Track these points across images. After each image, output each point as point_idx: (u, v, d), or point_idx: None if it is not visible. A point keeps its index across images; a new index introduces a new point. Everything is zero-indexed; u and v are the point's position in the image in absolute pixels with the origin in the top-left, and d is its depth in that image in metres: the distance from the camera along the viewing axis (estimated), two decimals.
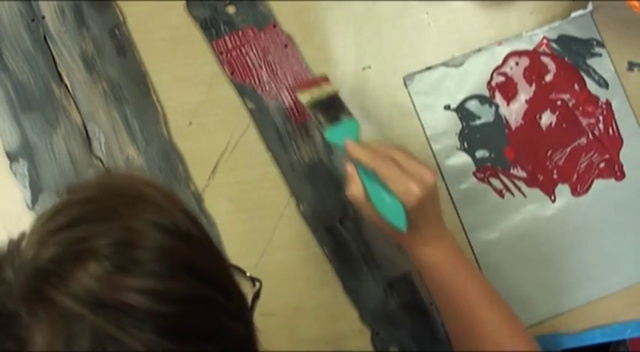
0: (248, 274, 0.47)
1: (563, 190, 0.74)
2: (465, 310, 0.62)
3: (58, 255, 0.36)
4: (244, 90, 0.74)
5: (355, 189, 0.61)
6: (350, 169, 0.62)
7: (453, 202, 0.74)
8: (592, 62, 0.76)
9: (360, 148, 0.61)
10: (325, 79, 0.70)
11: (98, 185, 0.43)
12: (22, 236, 0.39)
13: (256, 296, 0.47)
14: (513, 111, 0.75)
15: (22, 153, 0.72)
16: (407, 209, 0.59)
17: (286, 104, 0.73)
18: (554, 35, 0.76)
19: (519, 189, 0.74)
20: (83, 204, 0.40)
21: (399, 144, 0.65)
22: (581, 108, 0.75)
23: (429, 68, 0.75)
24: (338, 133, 0.64)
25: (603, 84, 0.76)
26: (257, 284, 0.47)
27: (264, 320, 0.48)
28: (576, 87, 0.75)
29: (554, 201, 0.74)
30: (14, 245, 0.39)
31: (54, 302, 0.35)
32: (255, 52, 0.74)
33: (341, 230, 0.73)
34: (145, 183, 0.43)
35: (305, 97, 0.67)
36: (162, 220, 0.39)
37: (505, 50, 0.75)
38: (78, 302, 0.35)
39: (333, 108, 0.66)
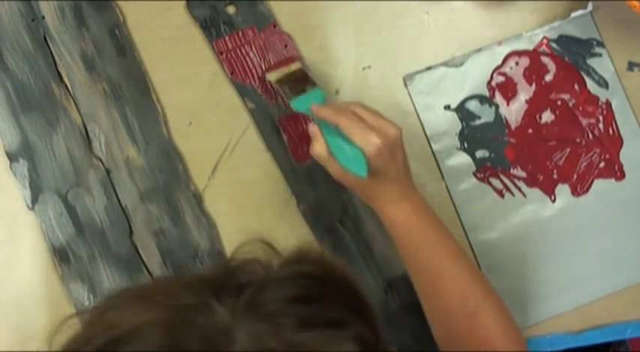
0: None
1: (563, 190, 0.74)
2: (431, 267, 0.63)
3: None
4: (244, 91, 0.74)
5: (318, 146, 0.63)
6: (313, 128, 0.64)
7: (453, 202, 0.74)
8: (592, 62, 0.76)
9: (323, 107, 0.64)
10: (292, 59, 0.72)
11: (323, 265, 0.48)
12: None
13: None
14: (513, 111, 0.75)
15: (22, 153, 0.72)
16: (368, 158, 0.61)
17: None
18: (554, 35, 0.76)
19: (519, 189, 0.74)
20: (311, 279, 0.45)
21: (365, 104, 0.66)
22: (581, 108, 0.75)
23: (429, 68, 0.75)
24: (304, 102, 0.66)
25: (603, 84, 0.76)
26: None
27: None
28: (576, 87, 0.75)
29: (554, 201, 0.74)
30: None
31: None
32: (255, 52, 0.74)
33: (341, 230, 0.73)
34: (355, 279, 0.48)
35: (272, 76, 0.70)
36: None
37: (505, 50, 0.75)
38: None
39: (299, 82, 0.69)
